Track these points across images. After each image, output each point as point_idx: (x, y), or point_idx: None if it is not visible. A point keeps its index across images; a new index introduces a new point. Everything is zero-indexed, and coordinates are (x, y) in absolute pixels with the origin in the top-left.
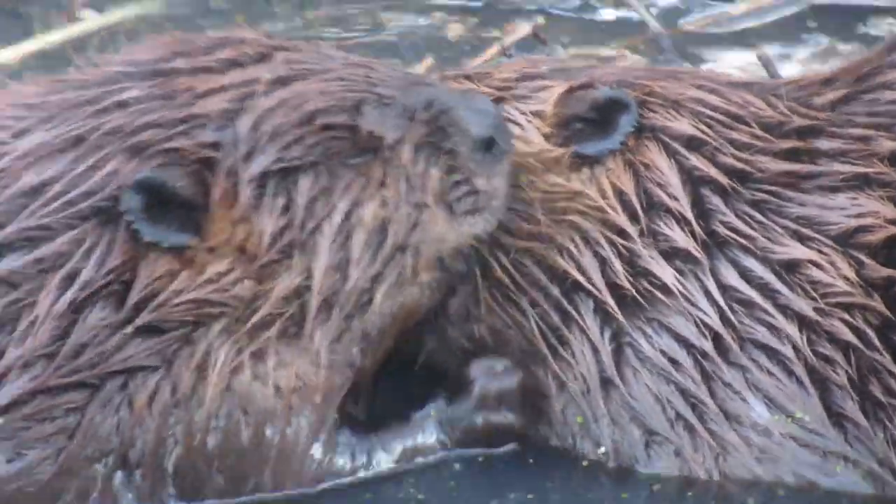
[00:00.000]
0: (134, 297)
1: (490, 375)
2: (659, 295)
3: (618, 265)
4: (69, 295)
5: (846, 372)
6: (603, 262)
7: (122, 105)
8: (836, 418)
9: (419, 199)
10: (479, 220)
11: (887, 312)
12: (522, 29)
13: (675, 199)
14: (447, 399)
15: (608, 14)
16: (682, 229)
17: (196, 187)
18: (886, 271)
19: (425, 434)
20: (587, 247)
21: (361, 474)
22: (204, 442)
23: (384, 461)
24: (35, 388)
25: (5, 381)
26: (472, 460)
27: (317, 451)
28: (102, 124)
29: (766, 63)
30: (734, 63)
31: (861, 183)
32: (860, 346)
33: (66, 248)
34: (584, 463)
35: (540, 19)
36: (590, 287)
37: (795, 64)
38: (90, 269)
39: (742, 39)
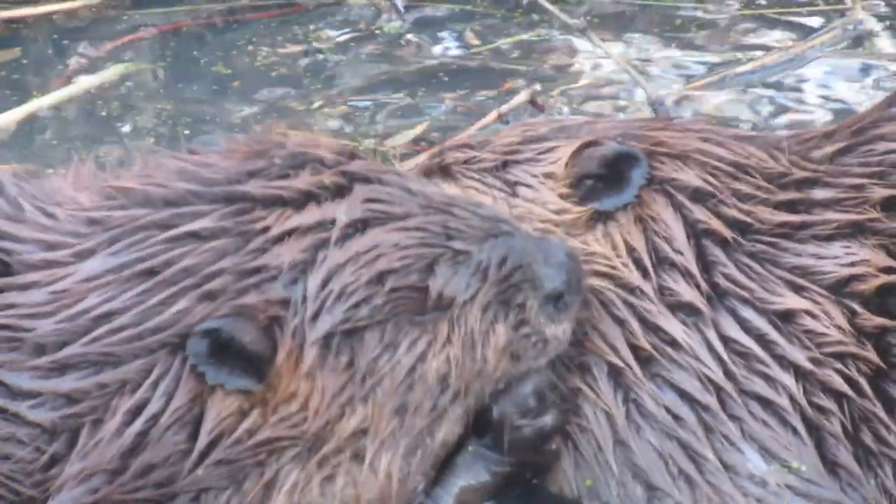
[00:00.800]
0: (206, 431)
1: (513, 395)
2: (669, 350)
3: (636, 326)
4: (138, 424)
5: (840, 421)
6: (622, 325)
7: (193, 236)
8: (831, 466)
9: (483, 354)
10: (541, 359)
11: (879, 361)
12: (520, 96)
13: (681, 253)
14: (478, 436)
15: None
16: (688, 283)
17: (263, 342)
18: (878, 320)
19: (469, 473)
20: (605, 310)
21: None
22: None
23: None
24: (95, 500)
25: (61, 489)
26: None
27: None
28: (174, 259)
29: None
30: None
31: (854, 231)
32: (853, 395)
33: (133, 377)
34: None
35: (537, 86)
36: (612, 357)
37: None
38: (158, 400)
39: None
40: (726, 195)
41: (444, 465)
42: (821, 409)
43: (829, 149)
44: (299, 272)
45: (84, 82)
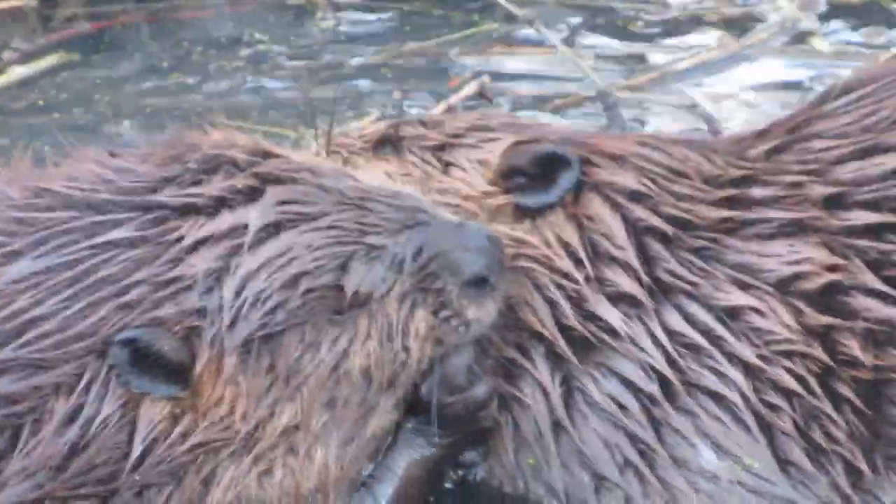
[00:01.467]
0: (140, 437)
1: (439, 374)
2: (607, 338)
3: (567, 308)
4: (76, 427)
5: (791, 418)
6: (553, 305)
7: (114, 245)
8: (783, 464)
9: (403, 345)
10: (465, 340)
11: (827, 359)
12: (469, 87)
13: (621, 248)
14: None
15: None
16: (628, 275)
17: (182, 351)
18: (825, 318)
19: (409, 449)
20: (537, 291)
21: None
22: None
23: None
24: (39, 496)
25: (4, 486)
26: None
27: None
28: (95, 267)
29: (711, 123)
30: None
31: (796, 229)
32: (803, 392)
33: (66, 381)
34: None
35: (485, 77)
36: (542, 330)
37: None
38: (91, 404)
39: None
40: (664, 196)
41: (386, 451)
42: (771, 407)
43: (764, 146)
44: (214, 281)
45: (16, 73)
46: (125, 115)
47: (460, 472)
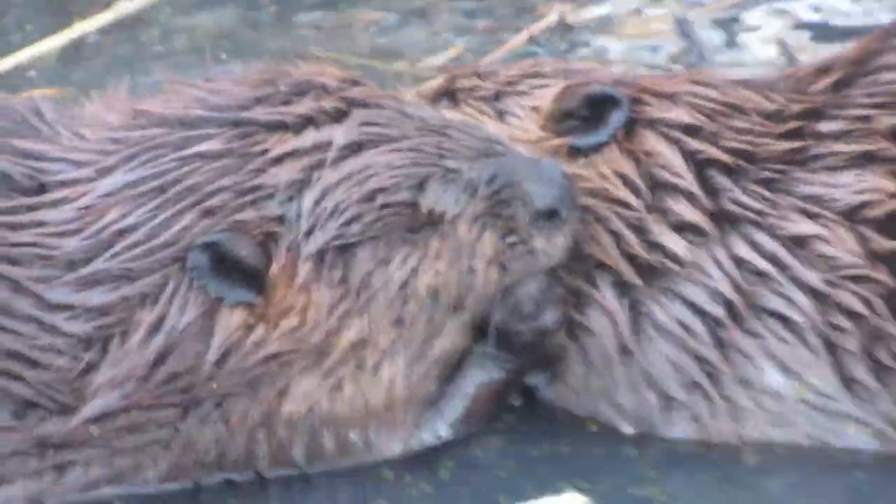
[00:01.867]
0: (216, 344)
1: (509, 302)
2: (671, 265)
3: (630, 237)
4: (160, 336)
5: (856, 339)
6: (616, 236)
7: (200, 156)
8: (847, 382)
9: (470, 266)
10: (532, 271)
11: (892, 283)
12: (550, 17)
13: (680, 176)
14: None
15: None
16: (691, 204)
17: (259, 256)
18: (891, 244)
19: (480, 372)
20: (598, 223)
21: (437, 442)
22: (289, 452)
23: (451, 423)
24: (127, 405)
25: (96, 394)
26: (493, 429)
27: (397, 447)
28: (182, 177)
29: (786, 50)
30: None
31: (865, 160)
32: (868, 314)
33: (151, 291)
34: (598, 428)
35: (566, 7)
36: (607, 259)
37: None
38: (174, 313)
39: None
40: (723, 130)
41: (455, 374)
42: (837, 328)
43: (828, 80)
44: (295, 191)
45: (123, 7)
46: (227, 50)
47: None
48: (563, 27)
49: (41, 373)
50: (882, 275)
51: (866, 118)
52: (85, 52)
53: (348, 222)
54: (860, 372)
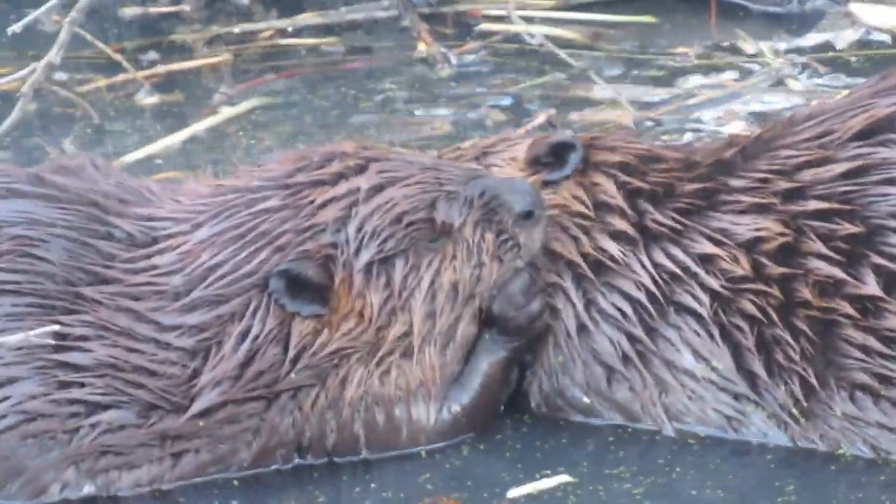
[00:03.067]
0: (293, 346)
1: (505, 295)
2: (610, 263)
3: (584, 239)
4: (246, 343)
5: (753, 339)
6: (574, 239)
7: (266, 211)
8: (746, 373)
9: (479, 260)
10: (519, 261)
11: (783, 298)
12: (539, 118)
13: (614, 198)
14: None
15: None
16: (622, 218)
17: (323, 275)
18: (781, 269)
19: (489, 353)
20: (563, 230)
21: (464, 418)
22: (352, 429)
23: (473, 396)
24: (224, 399)
25: (201, 394)
26: (492, 429)
27: (433, 416)
28: (255, 226)
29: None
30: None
31: (762, 209)
32: (763, 319)
33: (239, 310)
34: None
35: (553, 111)
36: (569, 257)
37: None
38: (257, 326)
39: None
40: (649, 171)
41: (470, 354)
42: (737, 328)
43: (736, 149)
44: (341, 224)
45: (226, 112)
46: (302, 142)
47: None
48: (549, 126)
49: (159, 380)
50: (774, 291)
51: (766, 180)
52: (197, 145)
53: (385, 240)
54: (757, 366)
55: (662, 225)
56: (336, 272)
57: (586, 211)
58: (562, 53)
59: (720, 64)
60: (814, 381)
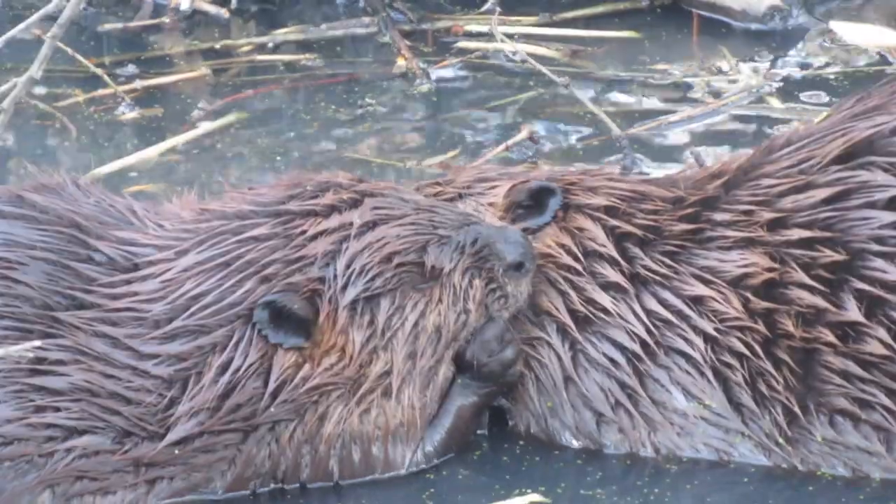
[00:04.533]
0: (273, 379)
1: (479, 341)
2: (601, 315)
3: (572, 294)
4: (227, 375)
5: (741, 374)
6: (563, 294)
7: (254, 239)
8: (735, 406)
9: (465, 307)
10: (505, 312)
11: (767, 332)
12: (522, 133)
13: (604, 246)
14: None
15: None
16: (613, 268)
17: (307, 309)
18: (766, 304)
19: (461, 397)
20: (550, 285)
21: (434, 457)
22: (327, 464)
23: (442, 438)
24: (201, 430)
25: (177, 423)
26: (469, 449)
27: (408, 457)
28: (242, 254)
29: (697, 157)
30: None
31: (747, 243)
32: (749, 355)
33: (220, 341)
34: (551, 444)
35: (534, 127)
36: (554, 312)
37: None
38: (239, 357)
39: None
40: (634, 211)
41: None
42: (726, 365)
43: (718, 182)
44: (330, 258)
45: (204, 127)
46: (281, 157)
47: (493, 416)
48: (531, 140)
49: (135, 408)
50: (759, 326)
51: (750, 212)
52: (174, 158)
53: (372, 279)
54: (745, 398)
55: (653, 271)
56: (321, 306)
57: (576, 264)
58: (544, 69)
59: (701, 81)
60: (796, 408)
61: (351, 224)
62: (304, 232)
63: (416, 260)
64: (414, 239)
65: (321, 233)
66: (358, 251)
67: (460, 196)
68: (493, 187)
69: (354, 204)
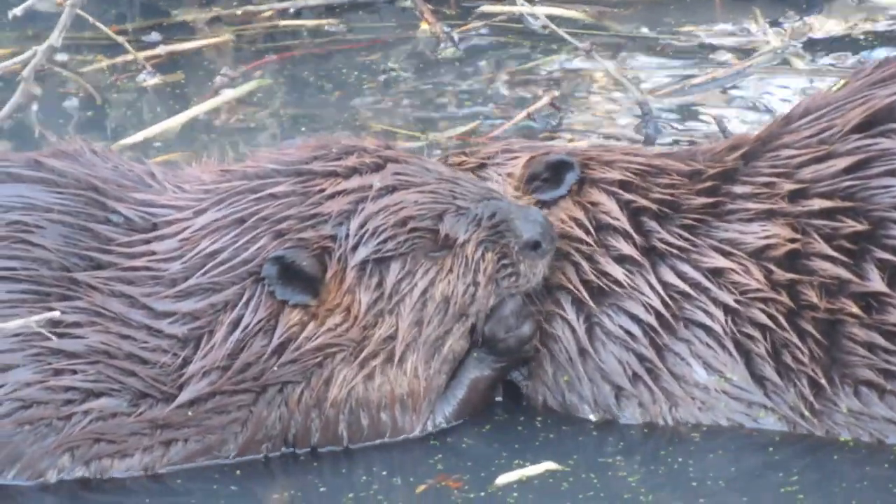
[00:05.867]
0: (276, 336)
1: (497, 317)
2: (615, 287)
3: (585, 266)
4: (237, 333)
5: (764, 346)
6: (575, 266)
7: (272, 196)
8: (758, 379)
9: (475, 279)
10: (515, 290)
11: (791, 304)
12: (543, 100)
13: (618, 220)
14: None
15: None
16: (626, 241)
17: (316, 266)
18: (789, 275)
19: (476, 369)
20: (563, 258)
21: (444, 424)
22: (336, 429)
23: (454, 409)
24: (213, 390)
25: (189, 383)
26: (484, 419)
27: (417, 427)
28: (257, 211)
29: (720, 122)
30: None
31: (769, 215)
32: (773, 326)
33: (232, 299)
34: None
35: (556, 92)
36: (568, 285)
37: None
38: (249, 315)
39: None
40: (650, 186)
41: (457, 369)
42: (748, 337)
43: (737, 154)
44: (344, 217)
45: (227, 94)
46: (304, 124)
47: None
48: (553, 107)
49: (150, 369)
50: (783, 297)
51: (770, 184)
52: (198, 127)
53: (385, 241)
54: (768, 371)
55: (669, 244)
56: (330, 264)
57: (587, 237)
58: (565, 34)
59: (726, 43)
60: (822, 380)
61: (370, 186)
62: (322, 190)
63: (431, 227)
64: (431, 206)
65: (339, 192)
66: (373, 212)
67: (482, 166)
68: (514, 158)
69: (377, 168)
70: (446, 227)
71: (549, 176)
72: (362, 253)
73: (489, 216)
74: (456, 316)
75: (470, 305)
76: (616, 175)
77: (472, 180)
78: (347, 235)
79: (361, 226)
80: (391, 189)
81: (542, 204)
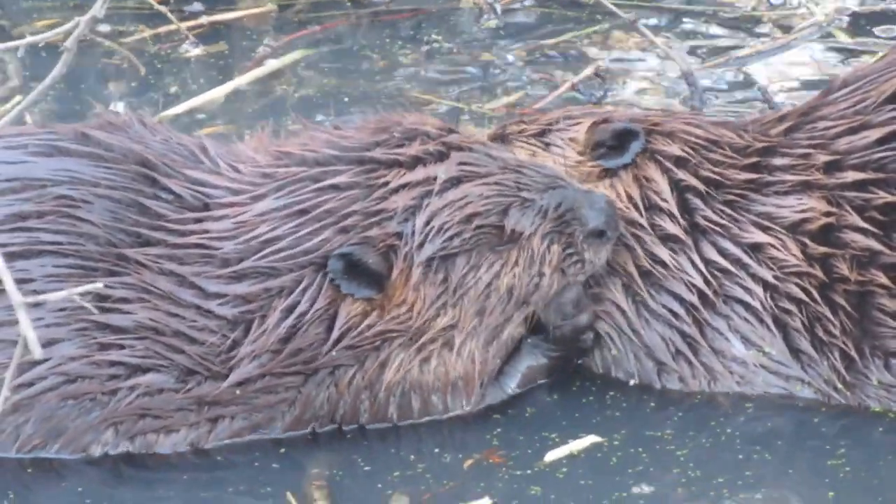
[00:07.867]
0: (338, 325)
1: (556, 304)
2: (659, 268)
3: (637, 249)
4: (291, 319)
5: (800, 319)
6: (630, 250)
7: (334, 187)
8: (795, 352)
9: (540, 270)
10: (581, 276)
11: (824, 278)
12: (588, 70)
13: (666, 201)
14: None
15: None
16: (672, 221)
17: (382, 263)
18: (823, 249)
19: (530, 357)
20: (618, 241)
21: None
22: (385, 410)
23: (504, 398)
24: (262, 372)
25: (239, 365)
26: (530, 395)
27: (468, 406)
28: (320, 203)
29: (765, 93)
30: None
31: (804, 187)
32: (808, 301)
33: (288, 285)
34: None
35: (601, 63)
36: (620, 269)
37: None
38: (305, 303)
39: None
40: (702, 162)
41: (512, 356)
42: (786, 311)
43: (783, 126)
44: (410, 214)
45: (271, 65)
46: (347, 95)
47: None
48: (597, 76)
49: (198, 347)
50: (817, 271)
51: (807, 155)
52: (241, 98)
53: (451, 238)
54: (804, 344)
55: (712, 221)
56: (396, 262)
57: (641, 218)
58: (611, 5)
59: (770, 16)
60: (853, 352)
61: (434, 178)
62: (386, 183)
63: (497, 223)
64: (497, 200)
65: (403, 186)
66: (439, 209)
67: (543, 132)
68: (577, 123)
69: (440, 157)
70: (512, 221)
71: (614, 143)
72: (428, 250)
73: (555, 206)
74: (518, 304)
75: (533, 294)
76: (675, 150)
77: (537, 166)
78: (413, 233)
79: (427, 223)
80: (456, 182)
81: (607, 173)
